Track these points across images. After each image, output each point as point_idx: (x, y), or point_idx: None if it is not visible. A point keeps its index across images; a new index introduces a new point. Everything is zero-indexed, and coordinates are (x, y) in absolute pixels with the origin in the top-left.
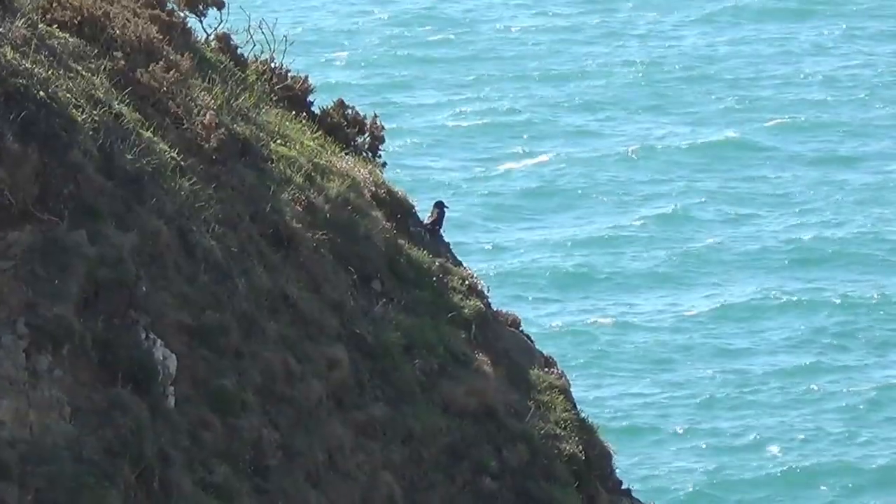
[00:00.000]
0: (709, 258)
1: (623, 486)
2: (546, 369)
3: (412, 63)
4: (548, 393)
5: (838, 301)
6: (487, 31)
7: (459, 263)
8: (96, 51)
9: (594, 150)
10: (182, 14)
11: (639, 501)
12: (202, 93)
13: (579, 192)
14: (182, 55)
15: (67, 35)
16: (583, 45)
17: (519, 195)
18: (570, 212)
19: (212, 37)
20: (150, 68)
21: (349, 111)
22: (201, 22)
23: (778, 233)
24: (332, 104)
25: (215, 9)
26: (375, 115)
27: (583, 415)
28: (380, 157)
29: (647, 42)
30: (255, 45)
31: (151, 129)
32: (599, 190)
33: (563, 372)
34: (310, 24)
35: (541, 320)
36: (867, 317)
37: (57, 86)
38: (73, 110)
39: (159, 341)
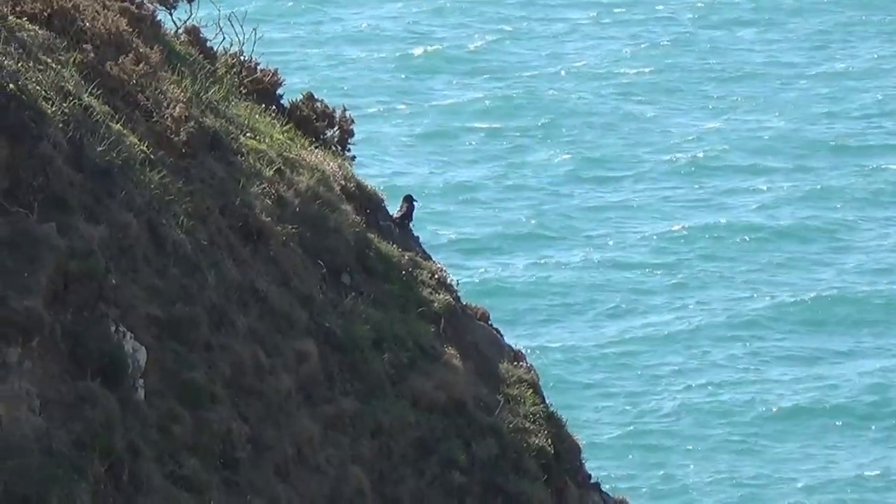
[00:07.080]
0: None
1: (592, 480)
2: (515, 363)
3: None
4: (517, 387)
5: None
6: None
7: (429, 257)
8: (66, 43)
9: None
10: (151, 6)
11: (608, 495)
12: (171, 86)
13: None
14: (151, 48)
15: (37, 27)
16: None
17: None
18: None
19: (181, 30)
20: (120, 61)
21: (318, 104)
22: (171, 14)
23: None
24: (302, 97)
25: (185, 1)
26: (345, 108)
27: (551, 408)
28: (349, 150)
29: None
30: (224, 38)
31: (121, 122)
32: None
33: (531, 365)
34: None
35: None
36: None
37: (27, 78)
38: (43, 102)
39: (129, 334)
